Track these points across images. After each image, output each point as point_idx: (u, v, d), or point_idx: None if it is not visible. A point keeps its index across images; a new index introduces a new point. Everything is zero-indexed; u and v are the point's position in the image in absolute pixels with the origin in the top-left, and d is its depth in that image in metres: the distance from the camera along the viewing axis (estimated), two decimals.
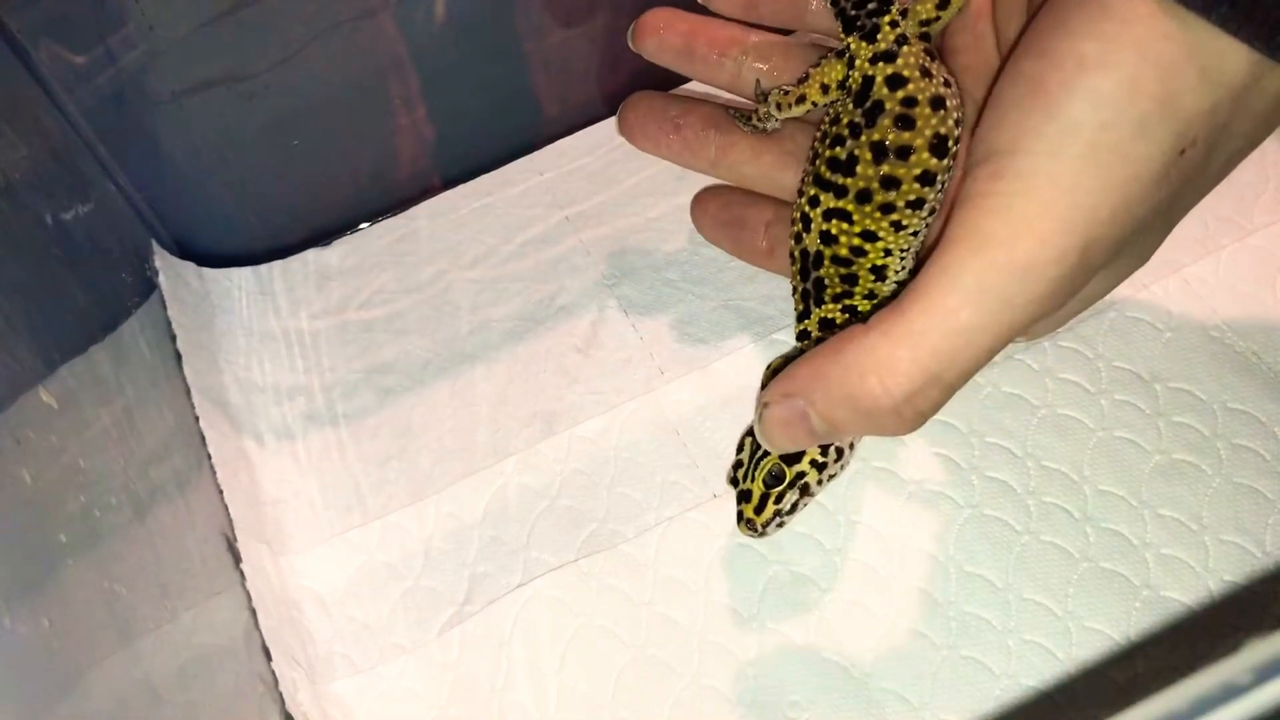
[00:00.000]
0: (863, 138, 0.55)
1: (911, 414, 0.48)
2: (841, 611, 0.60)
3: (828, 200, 0.56)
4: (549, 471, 0.66)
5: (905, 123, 0.54)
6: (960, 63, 0.58)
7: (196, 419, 0.67)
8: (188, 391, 0.68)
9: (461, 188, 0.79)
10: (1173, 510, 0.61)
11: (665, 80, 0.80)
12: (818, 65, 0.58)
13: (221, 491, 0.65)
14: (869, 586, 0.60)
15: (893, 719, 0.57)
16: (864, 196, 0.55)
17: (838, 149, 0.56)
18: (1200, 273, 0.68)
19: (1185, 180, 0.48)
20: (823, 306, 0.58)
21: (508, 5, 0.73)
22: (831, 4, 0.58)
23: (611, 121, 0.81)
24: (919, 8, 0.56)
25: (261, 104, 0.69)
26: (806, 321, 0.59)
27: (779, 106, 0.61)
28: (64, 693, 0.44)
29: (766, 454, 0.57)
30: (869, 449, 0.64)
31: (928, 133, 0.53)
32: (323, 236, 0.77)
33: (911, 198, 0.54)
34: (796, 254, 0.59)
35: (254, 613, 0.61)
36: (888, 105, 0.54)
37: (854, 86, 0.56)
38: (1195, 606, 0.59)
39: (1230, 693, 0.26)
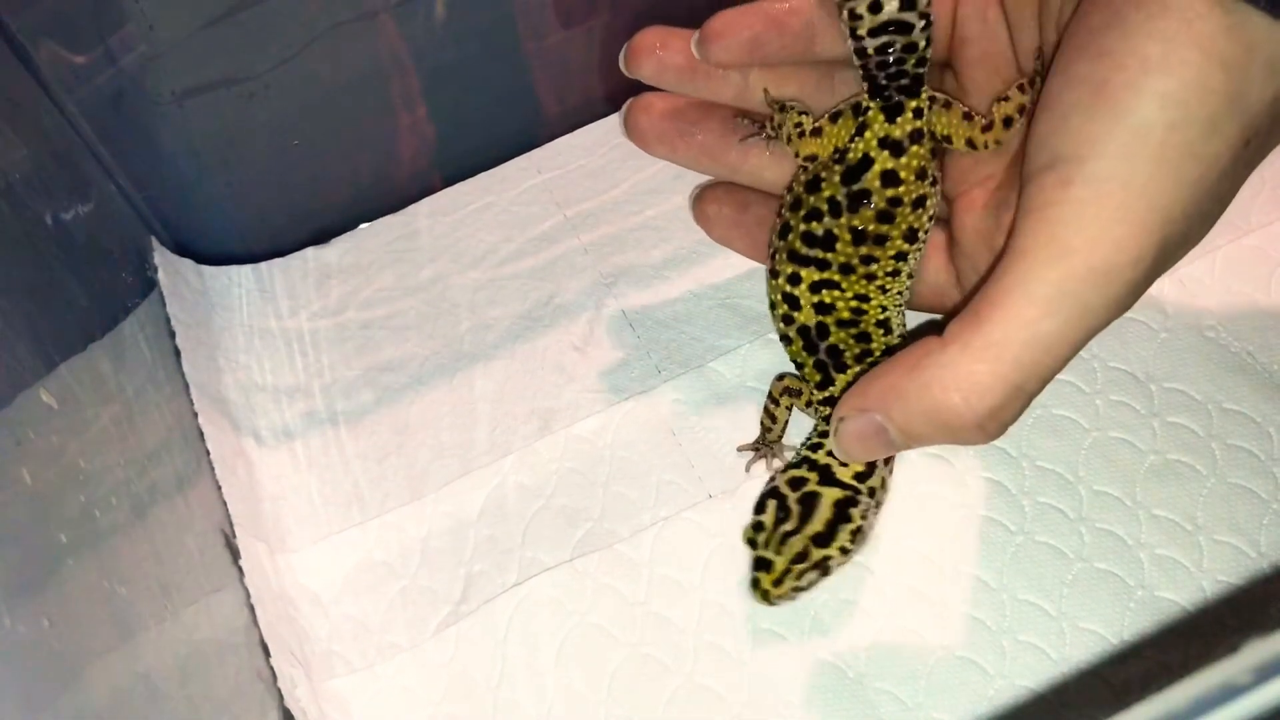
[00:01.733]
0: (842, 219, 0.56)
1: (995, 427, 0.48)
2: (836, 611, 0.60)
3: (811, 275, 0.58)
4: (545, 470, 0.66)
5: (886, 218, 0.56)
6: (973, 53, 0.57)
7: (195, 416, 0.67)
8: (187, 389, 0.68)
9: (460, 186, 0.80)
10: (1167, 510, 0.61)
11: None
12: (835, 122, 0.57)
13: (220, 489, 0.65)
14: (864, 586, 0.61)
15: (887, 719, 0.57)
16: (847, 269, 0.57)
17: (814, 224, 0.57)
18: (1196, 273, 0.68)
19: (1248, 166, 0.48)
20: (847, 371, 0.59)
21: (507, 5, 0.73)
22: (858, 57, 0.55)
23: (610, 120, 0.81)
24: (938, 121, 0.56)
25: (261, 104, 0.70)
26: (831, 388, 0.59)
27: (789, 140, 0.59)
28: (65, 690, 0.44)
29: (795, 531, 0.56)
30: None
31: (903, 226, 0.56)
32: (323, 237, 0.77)
33: (889, 269, 0.57)
34: (793, 334, 0.60)
35: (253, 609, 0.62)
36: (874, 199, 0.56)
37: (851, 158, 0.56)
38: (1190, 607, 0.59)
39: (1230, 693, 0.27)
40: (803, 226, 0.57)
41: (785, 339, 0.61)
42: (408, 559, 0.64)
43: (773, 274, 0.60)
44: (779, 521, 0.57)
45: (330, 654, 0.61)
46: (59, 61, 0.63)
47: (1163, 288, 0.68)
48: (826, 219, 0.56)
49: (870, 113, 0.56)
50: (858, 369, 0.59)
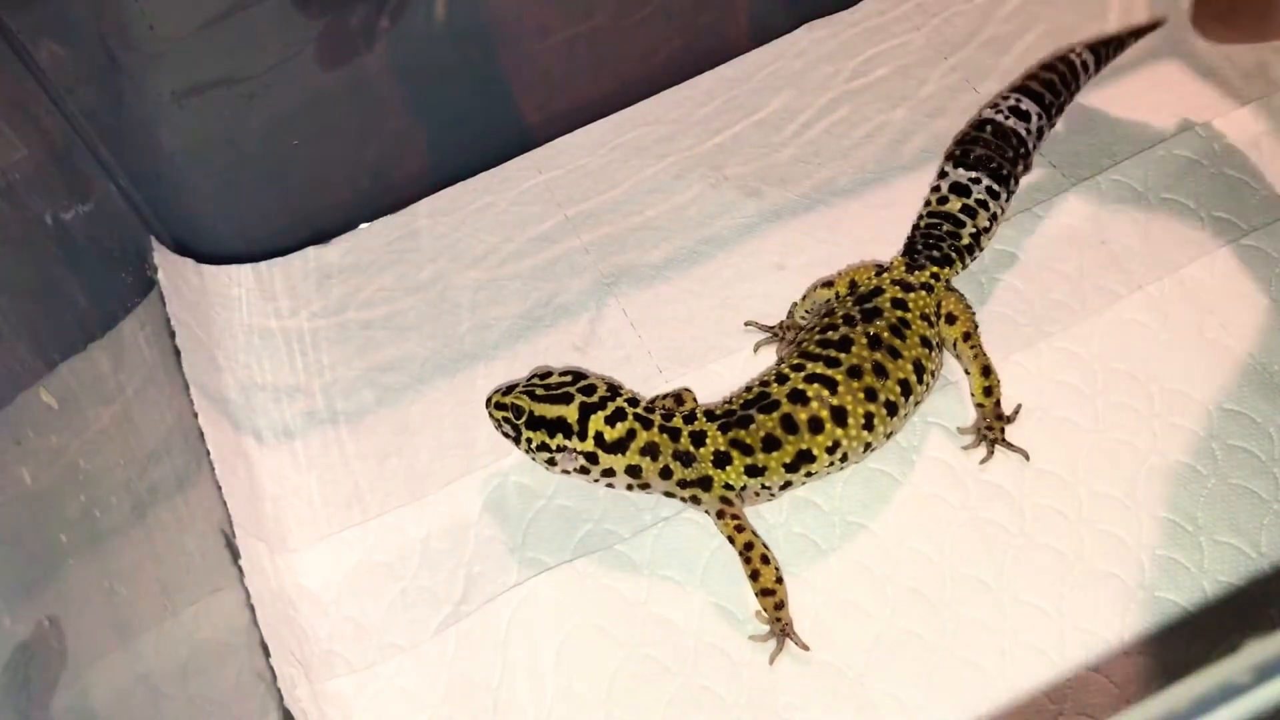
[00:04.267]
0: (858, 328, 0.60)
1: None
2: (836, 612, 0.60)
3: (815, 367, 0.59)
4: (546, 471, 0.66)
5: (897, 332, 0.60)
6: None
7: (195, 416, 0.67)
8: (187, 389, 0.68)
9: (460, 186, 0.80)
10: (1168, 511, 0.61)
11: (648, 85, 0.80)
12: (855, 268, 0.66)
13: (220, 489, 0.65)
14: (864, 588, 0.61)
15: (887, 719, 0.57)
16: (855, 372, 0.58)
17: (830, 333, 0.61)
18: (1196, 273, 0.68)
19: None
20: (707, 424, 0.58)
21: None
22: (914, 228, 0.66)
23: (610, 120, 0.81)
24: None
25: (261, 104, 0.70)
26: (685, 425, 0.59)
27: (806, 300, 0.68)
28: (66, 690, 0.44)
29: (544, 399, 0.59)
30: None
31: (913, 353, 0.59)
32: (323, 237, 0.77)
33: (891, 398, 0.58)
34: (754, 389, 0.60)
35: (253, 609, 0.61)
36: (885, 315, 0.60)
37: (863, 290, 0.63)
38: (1190, 607, 0.59)
39: (1230, 693, 0.27)
40: (819, 335, 0.61)
41: (746, 388, 0.61)
42: (408, 559, 0.64)
43: (780, 361, 0.62)
44: (554, 385, 0.60)
45: (330, 654, 0.61)
46: (59, 61, 0.63)
47: (1164, 288, 0.68)
48: (843, 328, 0.60)
49: (894, 262, 0.64)
50: (716, 434, 0.58)
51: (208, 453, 0.66)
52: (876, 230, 0.73)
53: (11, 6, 0.59)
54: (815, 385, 0.58)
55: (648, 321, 0.71)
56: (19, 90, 0.61)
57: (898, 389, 0.58)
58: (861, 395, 0.58)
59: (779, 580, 0.59)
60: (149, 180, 0.71)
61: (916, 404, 0.61)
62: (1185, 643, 0.58)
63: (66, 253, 0.60)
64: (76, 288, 0.60)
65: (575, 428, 0.58)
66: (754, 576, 0.59)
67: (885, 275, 0.63)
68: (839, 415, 0.57)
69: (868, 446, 0.59)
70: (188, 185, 0.73)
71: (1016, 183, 0.67)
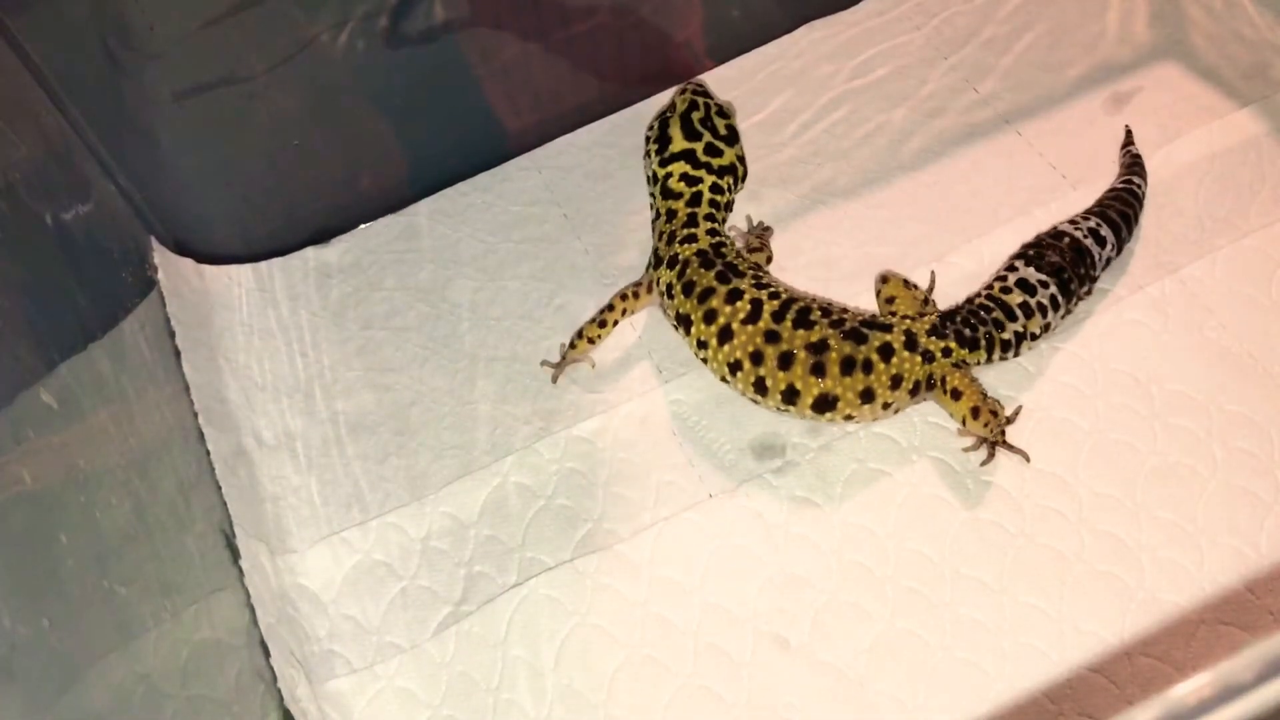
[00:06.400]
0: (836, 330, 0.60)
1: None
2: (837, 613, 0.60)
3: (759, 294, 0.62)
4: (545, 471, 0.66)
5: (859, 338, 0.60)
6: None
7: (195, 416, 0.67)
8: (187, 389, 0.68)
9: (460, 186, 0.80)
10: (1168, 512, 0.61)
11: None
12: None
13: (220, 489, 0.65)
14: (864, 588, 0.61)
15: None
16: (788, 359, 0.60)
17: (814, 306, 0.62)
18: (1197, 273, 0.68)
19: None
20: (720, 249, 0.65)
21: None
22: (968, 300, 0.65)
23: (610, 120, 0.81)
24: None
25: (261, 104, 0.70)
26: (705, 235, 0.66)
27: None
28: (65, 691, 0.44)
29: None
30: (865, 450, 0.64)
31: (860, 387, 0.60)
32: (323, 237, 0.77)
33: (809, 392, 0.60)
34: (781, 289, 0.63)
35: (253, 609, 0.61)
36: (864, 347, 0.60)
37: (880, 314, 0.65)
38: (1190, 608, 0.59)
39: (1230, 693, 0.27)
40: (800, 303, 0.62)
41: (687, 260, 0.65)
42: (408, 559, 0.64)
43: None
44: (699, 126, 0.69)
45: (330, 654, 0.61)
46: (59, 61, 0.63)
47: (1164, 288, 0.68)
48: (832, 313, 0.62)
49: (928, 311, 0.64)
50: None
51: (208, 453, 0.66)
52: (876, 231, 0.73)
53: (11, 6, 0.59)
54: (740, 301, 0.62)
55: (648, 321, 0.71)
56: (19, 90, 0.61)
57: (813, 401, 0.61)
58: (780, 373, 0.61)
59: None
60: (149, 180, 0.71)
61: (828, 419, 0.62)
62: (1184, 642, 0.58)
63: (66, 253, 0.60)
64: (76, 288, 0.60)
65: (668, 152, 0.68)
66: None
67: (908, 321, 0.62)
68: (757, 358, 0.61)
69: (756, 402, 0.63)
70: (188, 185, 0.73)
71: (1077, 303, 0.65)
